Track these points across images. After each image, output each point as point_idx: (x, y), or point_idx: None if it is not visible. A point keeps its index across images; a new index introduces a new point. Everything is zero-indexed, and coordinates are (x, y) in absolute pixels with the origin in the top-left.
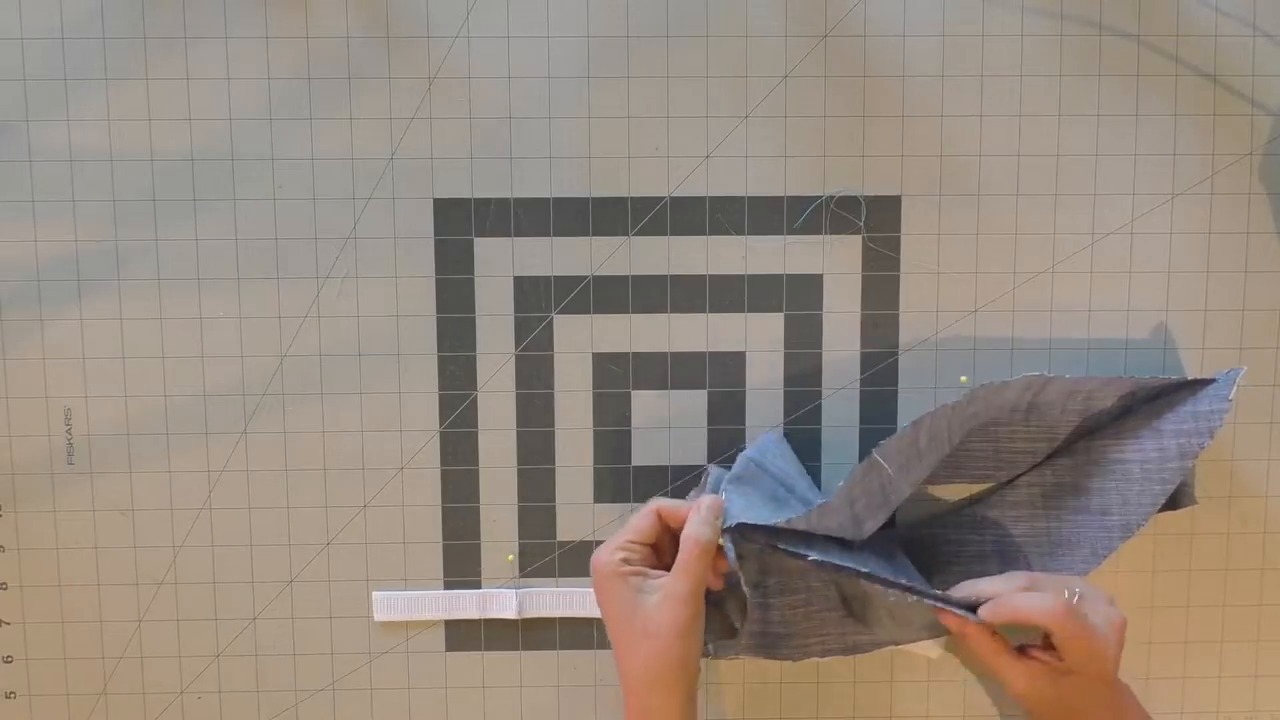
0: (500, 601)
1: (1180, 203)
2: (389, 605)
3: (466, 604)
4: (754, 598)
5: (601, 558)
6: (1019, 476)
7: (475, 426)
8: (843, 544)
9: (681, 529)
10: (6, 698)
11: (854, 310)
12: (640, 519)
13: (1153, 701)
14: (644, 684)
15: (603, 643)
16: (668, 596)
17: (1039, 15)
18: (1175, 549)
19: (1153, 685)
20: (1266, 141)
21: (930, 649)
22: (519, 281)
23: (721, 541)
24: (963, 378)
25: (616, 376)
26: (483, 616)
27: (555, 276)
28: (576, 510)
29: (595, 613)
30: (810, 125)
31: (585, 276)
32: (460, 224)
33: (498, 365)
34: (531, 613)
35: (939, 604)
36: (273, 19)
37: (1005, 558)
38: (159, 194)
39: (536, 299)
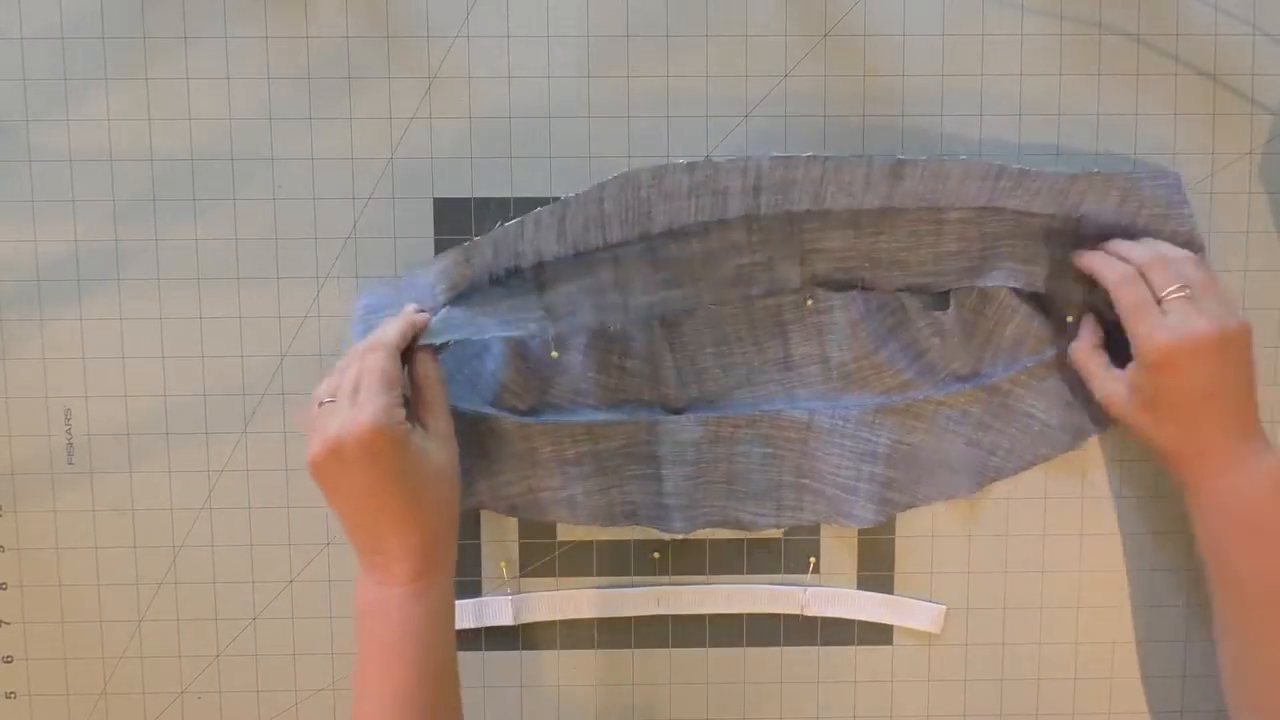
0: (495, 609)
1: None
2: None
3: (463, 615)
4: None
5: (382, 419)
6: (932, 397)
7: None
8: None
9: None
10: (6, 698)
11: None
12: (384, 362)
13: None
14: (434, 538)
15: (604, 642)
16: (445, 440)
17: (1039, 15)
18: (1175, 547)
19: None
20: (1266, 140)
21: (933, 624)
22: None
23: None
24: None
25: None
26: (480, 625)
27: None
28: None
29: (594, 613)
30: (810, 125)
31: None
32: (460, 224)
33: None
34: (528, 618)
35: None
36: (273, 19)
37: (891, 460)
38: (159, 194)
39: None
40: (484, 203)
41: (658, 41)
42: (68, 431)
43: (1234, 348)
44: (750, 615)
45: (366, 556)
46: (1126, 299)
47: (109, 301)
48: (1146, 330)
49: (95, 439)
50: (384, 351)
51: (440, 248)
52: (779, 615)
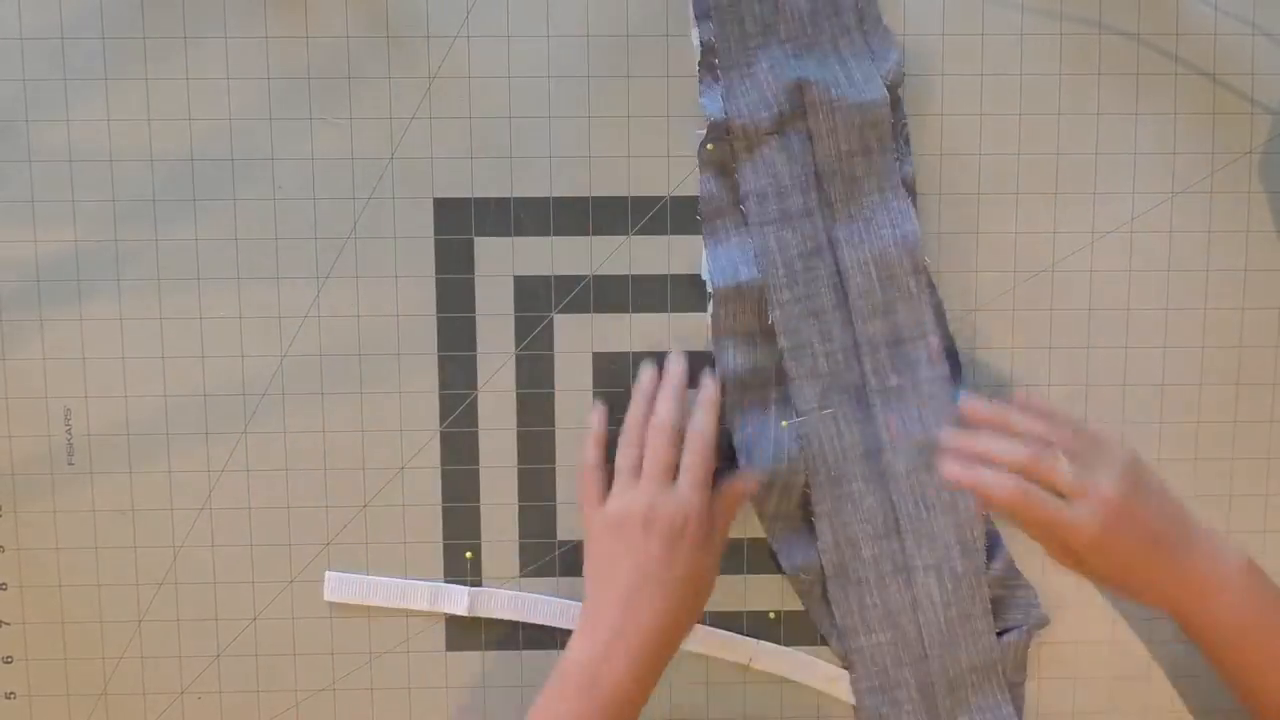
0: (451, 597)
1: (1180, 201)
2: (341, 586)
3: (418, 596)
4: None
5: (704, 513)
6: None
7: (475, 426)
8: None
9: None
10: (6, 698)
11: None
12: (710, 458)
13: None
14: (678, 629)
15: None
16: (717, 557)
17: (1039, 14)
18: None
19: None
20: (1266, 140)
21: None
22: (519, 281)
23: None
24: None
25: (616, 376)
26: (433, 610)
27: (555, 276)
28: (576, 510)
29: (556, 620)
30: None
31: (585, 276)
32: (460, 224)
33: (498, 365)
34: (483, 612)
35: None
36: (273, 19)
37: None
38: (159, 194)
39: (536, 299)
40: (484, 203)
41: (657, 41)
42: (68, 431)
43: (1140, 486)
44: (750, 614)
45: (605, 623)
46: (1025, 514)
47: (109, 302)
48: (1064, 529)
49: (95, 439)
50: (709, 446)
51: (440, 248)
52: (779, 615)
